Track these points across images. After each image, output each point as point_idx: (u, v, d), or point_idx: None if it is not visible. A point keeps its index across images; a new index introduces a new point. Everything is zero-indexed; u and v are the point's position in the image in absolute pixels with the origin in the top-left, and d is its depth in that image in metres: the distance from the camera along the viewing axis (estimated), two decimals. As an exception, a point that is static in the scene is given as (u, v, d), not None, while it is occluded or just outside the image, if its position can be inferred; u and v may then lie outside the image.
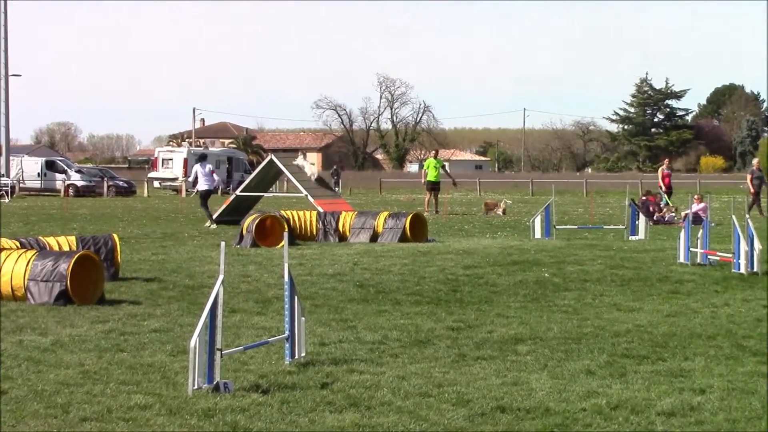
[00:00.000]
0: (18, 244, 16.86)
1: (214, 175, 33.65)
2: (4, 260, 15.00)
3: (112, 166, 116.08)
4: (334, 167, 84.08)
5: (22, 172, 70.26)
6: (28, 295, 14.69)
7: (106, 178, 71.19)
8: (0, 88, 72.50)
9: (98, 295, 14.97)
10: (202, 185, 32.93)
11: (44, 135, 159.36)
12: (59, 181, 68.66)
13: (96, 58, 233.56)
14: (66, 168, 70.94)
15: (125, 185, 71.38)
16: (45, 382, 9.73)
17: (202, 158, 35.01)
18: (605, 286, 17.39)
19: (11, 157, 71.28)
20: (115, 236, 18.16)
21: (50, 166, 71.10)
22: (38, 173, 70.46)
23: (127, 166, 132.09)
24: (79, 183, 69.16)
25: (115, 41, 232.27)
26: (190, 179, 35.13)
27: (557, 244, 24.51)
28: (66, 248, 17.17)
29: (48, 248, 16.96)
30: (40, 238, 18.02)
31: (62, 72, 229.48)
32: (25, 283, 14.74)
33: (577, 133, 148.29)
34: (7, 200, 55.83)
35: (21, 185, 68.07)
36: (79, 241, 17.68)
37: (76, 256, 14.83)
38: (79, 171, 72.11)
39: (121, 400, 9.03)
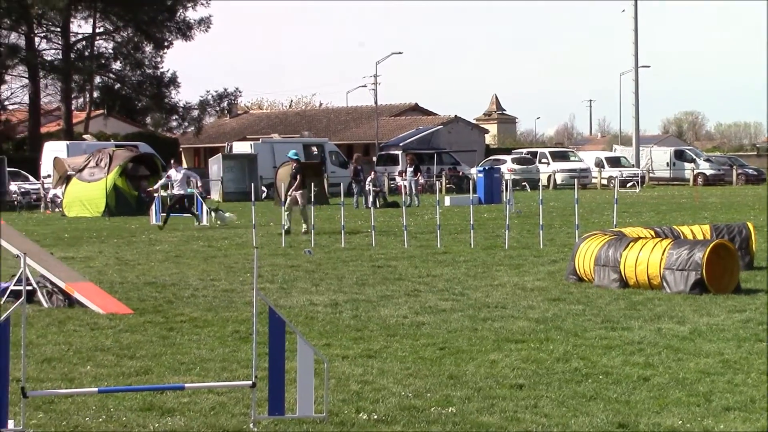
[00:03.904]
0: (653, 233, 17.14)
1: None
2: (641, 249, 15.30)
3: (740, 153, 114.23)
4: None
5: (652, 162, 71.32)
6: (664, 284, 14.85)
7: (735, 166, 70.23)
8: (630, 79, 74.11)
9: (734, 284, 14.80)
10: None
11: (672, 125, 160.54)
12: (688, 170, 68.81)
13: (719, 46, 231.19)
14: (695, 157, 70.92)
15: (754, 173, 69.95)
16: (685, 370, 9.79)
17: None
18: None
19: (641, 148, 72.57)
20: (750, 225, 17.86)
21: (679, 155, 71.46)
22: (667, 163, 71.13)
23: (755, 153, 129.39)
24: (708, 172, 68.84)
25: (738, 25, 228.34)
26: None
27: None
28: (700, 237, 17.17)
29: (682, 237, 17.06)
30: (674, 227, 18.18)
31: (689, 62, 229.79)
32: (661, 271, 14.91)
33: None
34: (637, 190, 56.95)
35: (651, 175, 69.13)
36: (713, 230, 17.60)
37: (711, 245, 14.77)
38: (707, 160, 71.78)
39: (763, 391, 8.85)
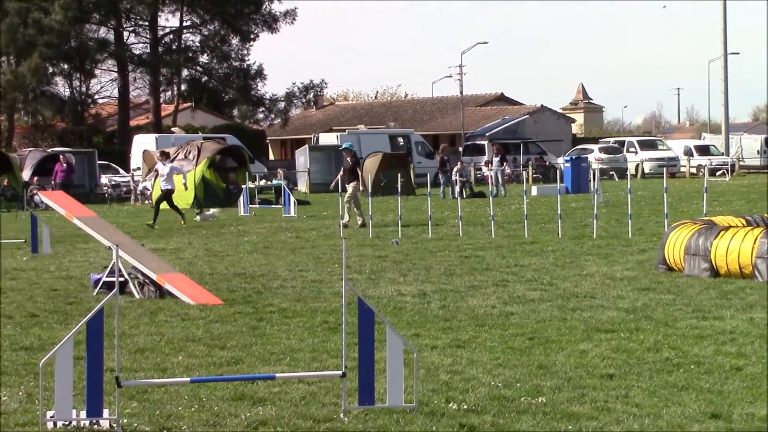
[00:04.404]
0: (744, 222, 16.90)
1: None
2: (732, 238, 15.09)
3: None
4: None
5: (742, 150, 70.24)
6: (756, 273, 14.63)
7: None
8: (719, 66, 73.09)
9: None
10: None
11: (762, 112, 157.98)
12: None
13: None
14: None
15: None
16: None
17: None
18: None
19: (730, 136, 71.54)
20: None
21: (771, 143, 70.33)
22: (758, 151, 70.01)
23: None
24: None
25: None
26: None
27: None
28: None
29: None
30: (766, 215, 17.90)
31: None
32: (753, 260, 14.70)
33: None
34: (727, 178, 56.17)
35: (741, 163, 68.10)
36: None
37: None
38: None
39: None
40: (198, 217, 30.06)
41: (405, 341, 8.39)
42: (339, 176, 27.21)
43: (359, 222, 26.11)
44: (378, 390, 8.32)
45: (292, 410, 8.28)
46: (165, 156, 31.00)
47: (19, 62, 61.01)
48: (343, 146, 28.02)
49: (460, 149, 64.93)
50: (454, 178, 40.61)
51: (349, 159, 27.00)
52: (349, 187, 26.32)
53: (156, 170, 30.59)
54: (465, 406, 8.28)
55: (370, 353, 8.15)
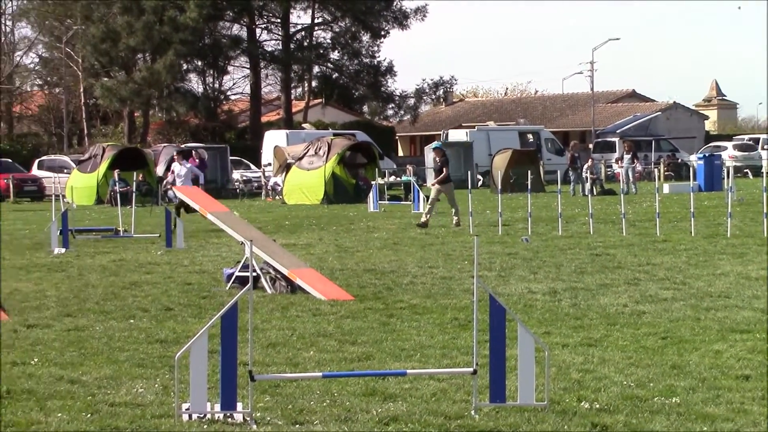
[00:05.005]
0: None
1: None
2: None
3: None
4: None
5: None
6: None
7: None
8: None
9: None
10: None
11: None
12: None
13: None
14: None
15: None
16: None
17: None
18: None
19: None
20: None
21: None
22: None
23: None
24: None
25: None
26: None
27: None
28: None
29: None
30: None
31: None
32: None
33: None
34: None
35: None
36: None
37: None
38: None
39: None
40: None
41: (536, 339, 8.34)
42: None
43: (423, 219, 25.89)
44: (509, 388, 8.29)
45: (422, 406, 8.30)
46: (183, 156, 30.14)
47: (154, 59, 62.31)
48: (433, 145, 27.90)
49: (591, 146, 64.29)
50: (584, 175, 40.21)
51: (438, 159, 26.76)
52: (444, 188, 26.08)
53: (172, 170, 29.03)
54: (597, 405, 8.21)
55: (501, 351, 8.12)
